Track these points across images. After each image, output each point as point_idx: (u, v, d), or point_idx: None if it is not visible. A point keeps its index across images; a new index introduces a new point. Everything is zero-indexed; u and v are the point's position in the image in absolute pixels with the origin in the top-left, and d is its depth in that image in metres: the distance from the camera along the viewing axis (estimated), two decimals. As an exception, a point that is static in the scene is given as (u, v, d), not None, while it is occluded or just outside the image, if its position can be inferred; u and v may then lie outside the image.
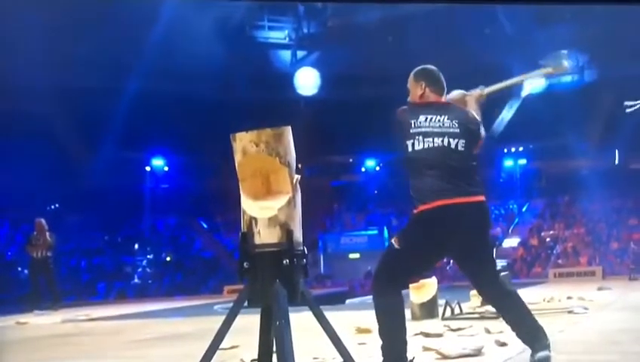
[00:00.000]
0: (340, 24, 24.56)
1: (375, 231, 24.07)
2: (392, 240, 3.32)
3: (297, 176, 3.48)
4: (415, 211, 3.31)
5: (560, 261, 19.57)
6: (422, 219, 3.25)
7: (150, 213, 23.69)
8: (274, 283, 3.31)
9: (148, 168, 24.87)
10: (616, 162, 19.77)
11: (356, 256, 23.35)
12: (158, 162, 25.04)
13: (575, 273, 15.25)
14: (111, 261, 21.53)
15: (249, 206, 3.37)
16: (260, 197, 3.38)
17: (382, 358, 3.30)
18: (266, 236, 3.34)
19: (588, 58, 22.57)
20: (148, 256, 22.21)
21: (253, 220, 3.35)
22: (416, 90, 3.47)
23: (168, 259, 22.40)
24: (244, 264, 3.38)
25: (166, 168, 25.21)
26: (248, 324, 3.38)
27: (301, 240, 3.50)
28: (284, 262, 3.34)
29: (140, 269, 21.57)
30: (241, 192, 3.40)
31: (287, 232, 3.37)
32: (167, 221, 24.25)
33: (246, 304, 3.35)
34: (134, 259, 22.01)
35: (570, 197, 21.38)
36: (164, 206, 23.79)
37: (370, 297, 3.53)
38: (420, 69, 3.53)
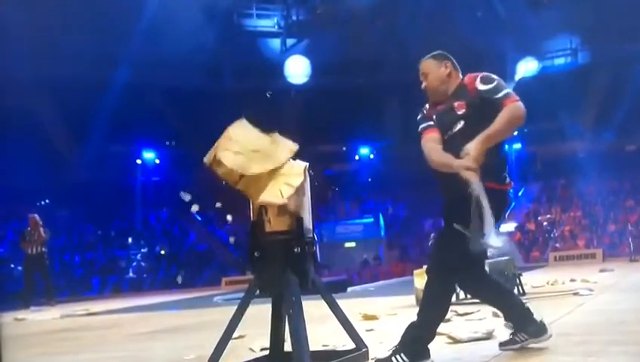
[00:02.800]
0: (329, 11, 24.41)
1: (371, 220, 24.05)
2: (457, 226, 3.13)
3: (306, 164, 3.40)
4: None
5: (557, 245, 19.61)
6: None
7: (142, 206, 23.54)
8: (285, 271, 3.24)
9: (139, 161, 24.67)
10: (612, 144, 19.83)
11: (352, 244, 23.34)
12: (148, 155, 24.84)
13: (575, 256, 15.27)
14: (104, 255, 21.39)
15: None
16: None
17: (409, 339, 3.20)
18: (276, 224, 3.26)
19: (581, 40, 22.60)
20: (142, 250, 22.07)
21: (263, 208, 3.27)
22: (440, 70, 3.26)
23: (162, 252, 22.27)
24: (255, 253, 3.31)
25: (157, 160, 25.02)
26: (254, 314, 3.30)
27: (311, 227, 3.42)
28: (295, 249, 3.27)
29: (134, 263, 21.44)
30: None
31: (297, 220, 3.30)
32: (159, 214, 24.11)
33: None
34: (128, 252, 21.88)
35: (566, 181, 21.41)
36: (157, 199, 23.64)
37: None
38: (438, 52, 3.34)
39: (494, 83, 3.13)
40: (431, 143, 3.18)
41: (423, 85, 3.30)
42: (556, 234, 20.58)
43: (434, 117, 3.23)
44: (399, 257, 22.67)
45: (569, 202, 21.15)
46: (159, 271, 21.26)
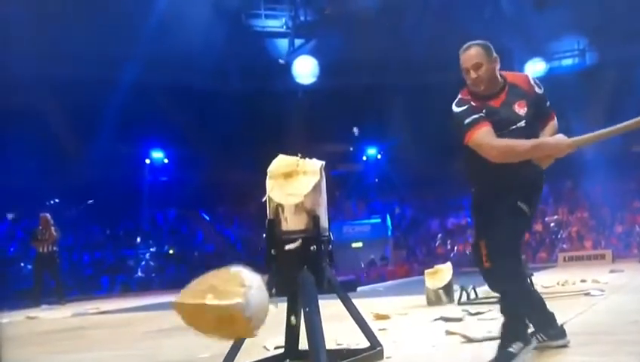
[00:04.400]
0: (337, 11, 24.43)
1: (378, 220, 24.04)
2: (521, 204, 3.13)
3: (322, 162, 3.43)
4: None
5: (564, 246, 19.59)
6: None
7: (151, 206, 23.60)
8: (301, 269, 3.27)
9: (147, 161, 24.75)
10: (618, 145, 19.76)
11: (359, 244, 23.33)
12: (157, 154, 24.92)
13: (585, 256, 15.26)
14: (113, 255, 21.47)
15: (276, 193, 3.31)
16: (286, 185, 3.33)
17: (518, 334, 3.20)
18: (293, 223, 3.29)
19: (588, 41, 22.54)
20: (150, 249, 22.15)
21: (279, 207, 3.30)
22: (493, 63, 3.15)
23: (171, 251, 22.34)
24: (272, 251, 3.34)
25: (165, 160, 25.10)
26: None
27: (327, 225, 3.45)
28: (312, 248, 3.29)
29: (142, 262, 21.51)
30: (267, 180, 3.35)
31: (314, 218, 3.32)
32: (168, 214, 24.18)
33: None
34: (137, 252, 21.95)
35: (573, 182, 21.37)
36: (165, 198, 23.71)
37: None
38: (485, 42, 3.19)
39: (542, 89, 3.22)
40: (492, 136, 3.05)
41: (474, 75, 3.12)
42: (563, 236, 20.55)
43: (484, 111, 3.10)
44: (406, 257, 22.69)
45: (576, 203, 21.12)
46: (167, 270, 21.33)
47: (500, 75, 3.19)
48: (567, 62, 23.45)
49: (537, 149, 3.03)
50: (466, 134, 3.08)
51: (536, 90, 3.22)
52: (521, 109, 3.14)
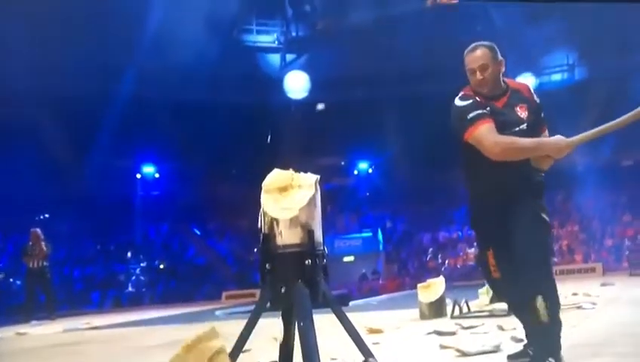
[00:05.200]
0: (329, 27, 24.57)
1: (369, 234, 24.04)
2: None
3: (317, 176, 3.45)
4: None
5: (555, 259, 19.63)
6: None
7: (142, 220, 23.52)
8: (296, 283, 3.27)
9: (139, 175, 24.70)
10: (609, 159, 19.94)
11: (350, 258, 23.30)
12: (148, 169, 24.87)
13: (575, 270, 15.33)
14: (104, 270, 21.34)
15: (270, 207, 3.32)
16: (280, 199, 3.34)
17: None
18: (288, 237, 3.29)
19: (578, 55, 22.77)
20: (141, 264, 22.03)
21: (274, 221, 3.31)
22: (500, 66, 3.17)
23: (162, 266, 22.24)
24: (267, 265, 3.34)
25: (157, 175, 25.05)
26: (258, 327, 3.33)
27: (321, 239, 3.46)
28: (307, 262, 3.30)
29: (133, 277, 21.39)
30: (262, 194, 3.36)
31: (309, 232, 3.33)
32: (159, 228, 24.10)
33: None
34: (128, 267, 21.84)
35: (563, 196, 21.49)
36: (156, 213, 23.63)
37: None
38: (491, 44, 3.20)
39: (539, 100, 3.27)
40: (495, 133, 3.03)
41: (480, 77, 3.13)
42: (554, 249, 20.61)
43: (488, 108, 3.11)
44: (397, 271, 22.68)
45: (566, 216, 21.22)
46: (158, 285, 21.22)
47: (502, 81, 3.22)
48: (557, 77, 23.68)
49: (538, 148, 3.06)
50: (468, 129, 3.06)
51: (536, 98, 3.26)
52: (523, 113, 3.18)
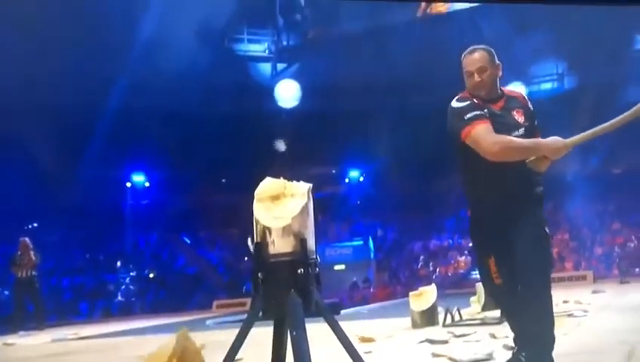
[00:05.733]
0: (320, 36, 24.66)
1: (360, 242, 24.04)
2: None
3: (310, 185, 3.45)
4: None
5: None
6: None
7: (132, 229, 23.41)
8: (289, 292, 3.26)
9: (128, 184, 24.59)
10: (598, 167, 20.09)
11: (341, 267, 23.28)
12: (138, 178, 24.77)
13: (566, 278, 15.38)
14: (93, 279, 21.19)
15: (262, 216, 3.31)
16: (273, 207, 3.33)
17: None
18: (280, 245, 3.29)
19: (567, 65, 22.96)
20: (131, 273, 21.91)
21: (267, 230, 3.30)
22: (497, 70, 3.20)
23: (152, 275, 22.12)
24: (259, 274, 3.33)
25: (147, 184, 24.95)
26: (251, 336, 3.31)
27: (314, 248, 3.46)
28: (299, 271, 3.30)
29: (123, 287, 21.26)
30: (254, 203, 3.35)
31: (301, 241, 3.33)
32: (149, 237, 23.98)
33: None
34: (117, 276, 21.70)
35: (553, 204, 21.62)
36: (146, 222, 23.52)
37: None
38: (488, 47, 3.22)
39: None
40: (492, 133, 3.03)
41: (478, 79, 3.15)
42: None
43: (486, 110, 3.11)
44: (388, 280, 22.68)
45: (557, 225, 21.32)
46: (148, 294, 21.10)
47: (499, 87, 3.26)
48: (547, 86, 23.86)
49: (535, 148, 3.07)
50: (465, 128, 3.05)
51: (530, 106, 3.29)
52: (520, 117, 3.21)
